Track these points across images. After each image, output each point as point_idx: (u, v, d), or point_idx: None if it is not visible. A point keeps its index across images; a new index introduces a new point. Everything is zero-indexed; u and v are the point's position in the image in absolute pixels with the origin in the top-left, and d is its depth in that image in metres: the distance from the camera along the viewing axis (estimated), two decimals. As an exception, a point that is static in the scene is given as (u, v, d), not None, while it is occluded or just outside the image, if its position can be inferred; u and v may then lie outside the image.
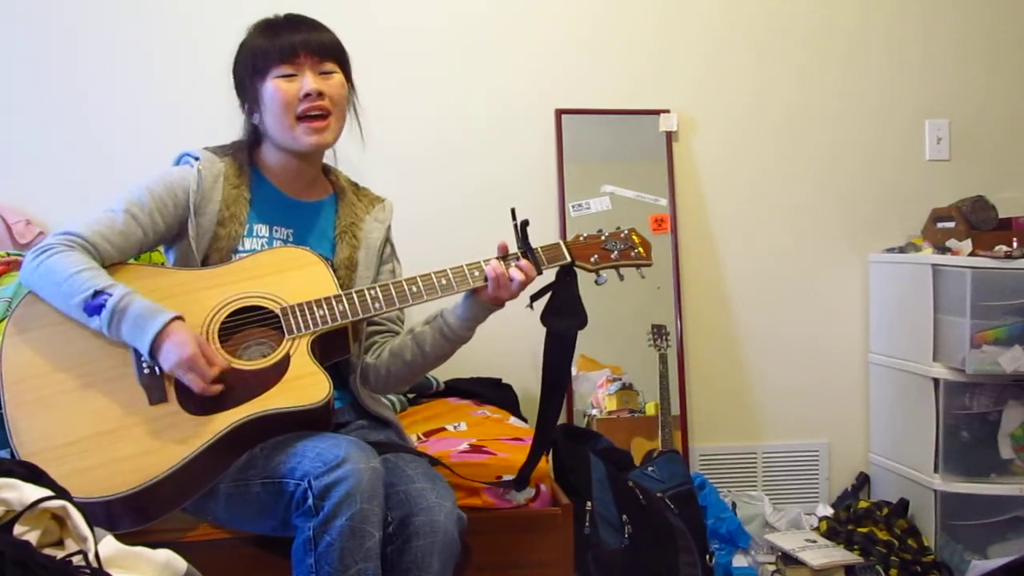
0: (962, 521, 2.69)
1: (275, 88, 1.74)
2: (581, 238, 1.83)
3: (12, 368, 1.59)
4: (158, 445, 1.55)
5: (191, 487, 1.59)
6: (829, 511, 2.95)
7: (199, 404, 1.59)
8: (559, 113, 2.90)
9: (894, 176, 3.06)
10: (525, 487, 1.84)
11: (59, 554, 1.19)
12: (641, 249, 1.84)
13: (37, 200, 2.67)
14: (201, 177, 1.75)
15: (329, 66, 1.78)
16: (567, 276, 1.80)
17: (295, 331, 1.66)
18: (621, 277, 1.84)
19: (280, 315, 1.67)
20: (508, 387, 2.72)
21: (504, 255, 1.75)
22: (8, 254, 2.15)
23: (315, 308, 1.67)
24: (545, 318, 1.80)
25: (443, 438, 2.17)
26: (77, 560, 1.19)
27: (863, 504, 2.83)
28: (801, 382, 3.04)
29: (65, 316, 1.62)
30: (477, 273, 1.73)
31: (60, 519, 1.24)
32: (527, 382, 2.75)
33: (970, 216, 2.82)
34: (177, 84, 2.72)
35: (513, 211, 1.78)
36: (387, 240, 1.93)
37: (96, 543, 1.22)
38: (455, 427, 2.26)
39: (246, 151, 1.85)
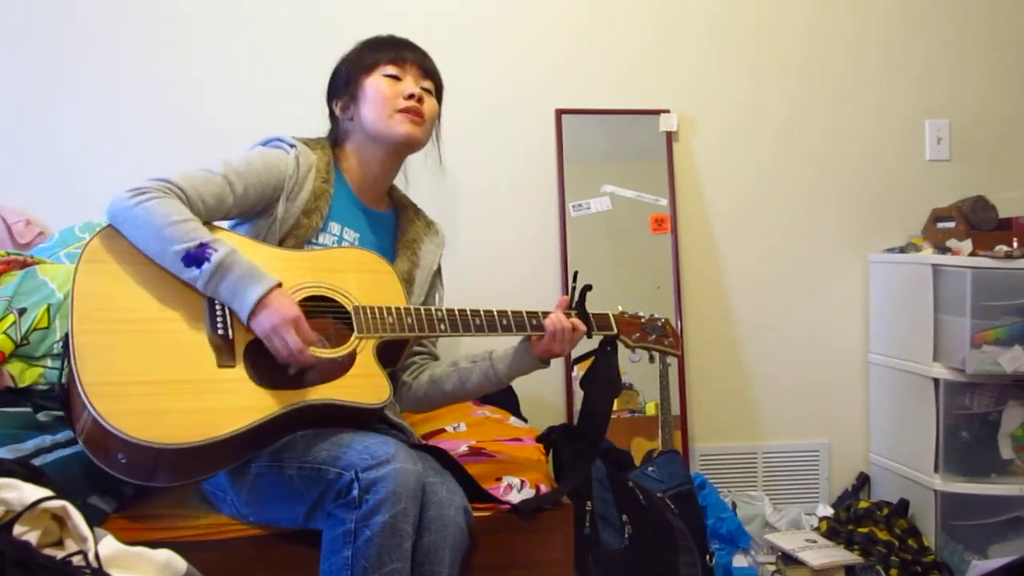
0: (962, 521, 2.69)
1: (379, 82, 1.83)
2: (626, 314, 1.93)
3: (84, 294, 1.55)
4: (221, 407, 1.53)
5: (234, 456, 1.60)
6: (829, 511, 2.95)
7: (267, 377, 1.59)
8: (559, 113, 2.90)
9: (894, 176, 3.06)
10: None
11: (59, 554, 1.19)
12: (672, 339, 1.97)
13: (37, 200, 2.68)
14: (298, 164, 1.78)
15: (429, 84, 1.88)
16: (609, 347, 1.90)
17: (364, 331, 1.68)
18: (652, 359, 1.97)
19: (352, 312, 1.69)
20: (508, 387, 2.72)
21: (563, 310, 1.83)
22: (8, 254, 2.14)
23: (386, 314, 1.71)
24: (583, 383, 1.93)
25: (442, 440, 2.17)
26: (77, 560, 1.19)
27: (863, 504, 2.83)
28: (801, 382, 3.04)
29: (143, 259, 1.59)
30: (535, 322, 1.80)
31: (60, 519, 1.24)
32: (527, 382, 2.72)
33: (970, 216, 2.82)
34: (176, 87, 2.72)
35: (575, 274, 1.89)
36: (439, 268, 1.99)
37: (96, 543, 1.22)
38: (455, 428, 2.26)
39: (331, 150, 1.89)
